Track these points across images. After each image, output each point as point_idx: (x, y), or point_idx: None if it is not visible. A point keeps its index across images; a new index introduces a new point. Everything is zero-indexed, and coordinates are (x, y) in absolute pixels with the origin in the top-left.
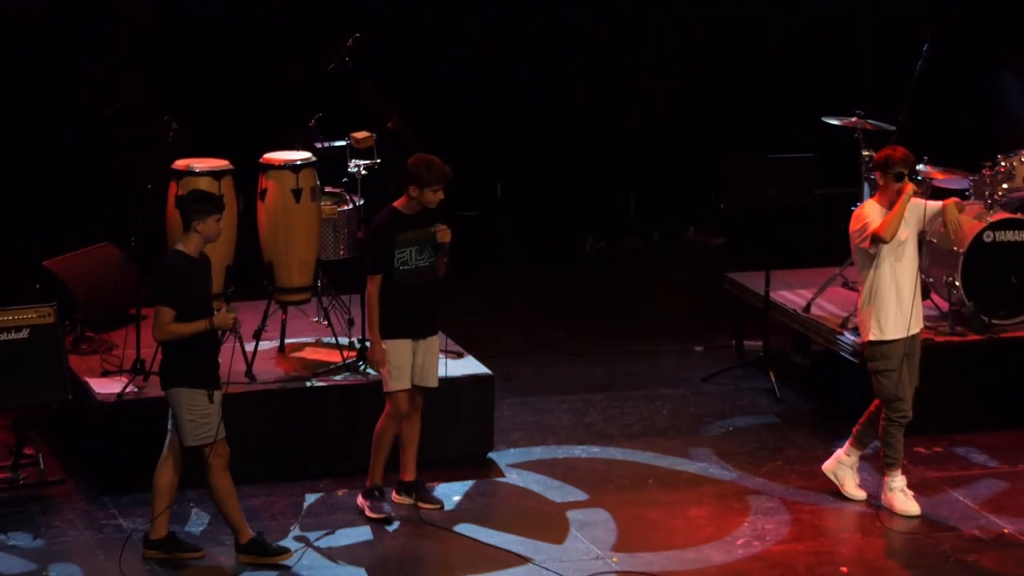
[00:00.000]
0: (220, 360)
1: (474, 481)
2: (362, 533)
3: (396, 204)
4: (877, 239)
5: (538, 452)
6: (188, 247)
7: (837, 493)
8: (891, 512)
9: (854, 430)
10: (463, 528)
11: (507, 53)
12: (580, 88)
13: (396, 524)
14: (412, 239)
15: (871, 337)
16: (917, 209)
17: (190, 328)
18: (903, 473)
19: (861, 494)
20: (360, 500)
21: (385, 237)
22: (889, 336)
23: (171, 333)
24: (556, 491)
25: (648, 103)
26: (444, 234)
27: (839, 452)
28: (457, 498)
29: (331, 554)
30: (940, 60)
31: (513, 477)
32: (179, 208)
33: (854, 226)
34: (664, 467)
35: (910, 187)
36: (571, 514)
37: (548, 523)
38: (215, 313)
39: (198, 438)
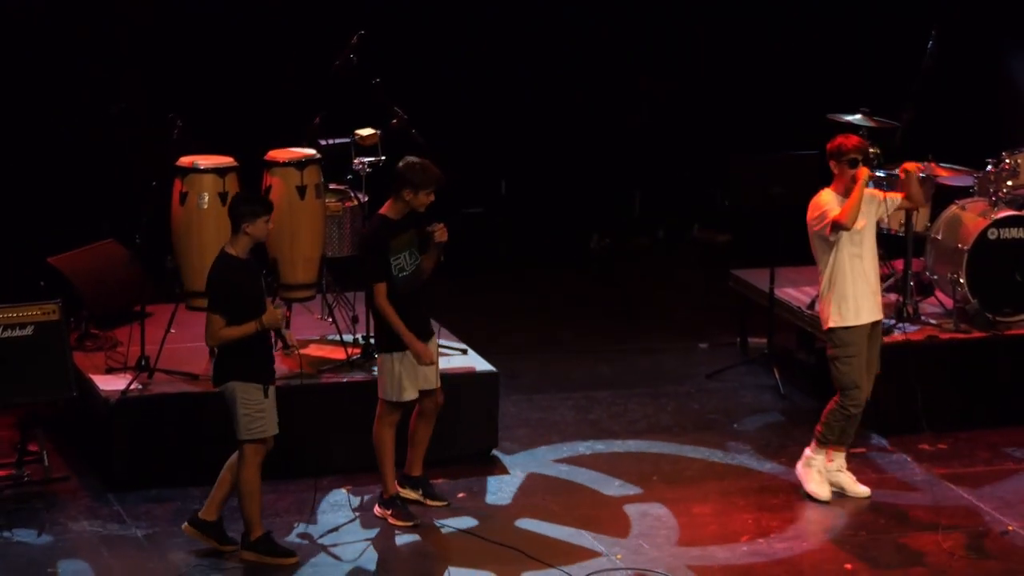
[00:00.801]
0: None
1: (478, 478)
2: (367, 531)
3: (383, 211)
4: (838, 226)
5: (543, 449)
6: (237, 249)
7: (841, 490)
8: (800, 487)
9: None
10: (467, 525)
11: (507, 53)
12: (580, 88)
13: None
14: (404, 244)
15: (831, 324)
16: (874, 198)
17: (240, 331)
18: (831, 460)
19: (865, 490)
20: (378, 510)
21: (382, 246)
22: (850, 323)
23: (222, 338)
24: (560, 488)
25: (651, 102)
26: (442, 233)
27: (826, 463)
28: (461, 495)
29: (336, 551)
30: (945, 57)
31: (517, 474)
32: (229, 213)
33: (811, 214)
34: (668, 464)
35: (865, 172)
36: (575, 511)
37: (552, 520)
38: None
39: (252, 432)
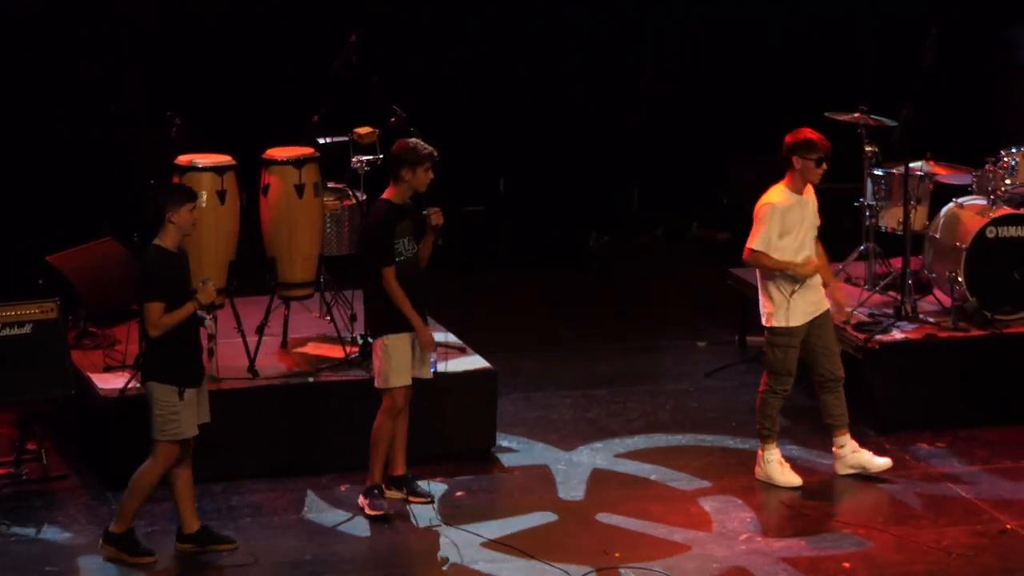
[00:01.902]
0: (204, 360)
1: (476, 476)
2: (364, 528)
3: (387, 196)
4: (747, 257)
5: (540, 448)
6: (166, 241)
7: (839, 488)
8: (770, 485)
9: (827, 422)
10: (464, 524)
11: (507, 53)
12: (580, 88)
13: (391, 520)
14: (405, 230)
15: (772, 323)
16: (809, 205)
17: (180, 314)
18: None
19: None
20: (360, 499)
21: (390, 229)
22: (790, 323)
23: (164, 326)
24: (558, 487)
25: (651, 102)
26: (437, 216)
27: (834, 451)
28: (460, 493)
29: (334, 549)
30: (944, 55)
31: (515, 473)
32: (155, 206)
33: (757, 211)
34: (666, 462)
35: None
36: (573, 510)
37: (550, 518)
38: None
39: (165, 433)
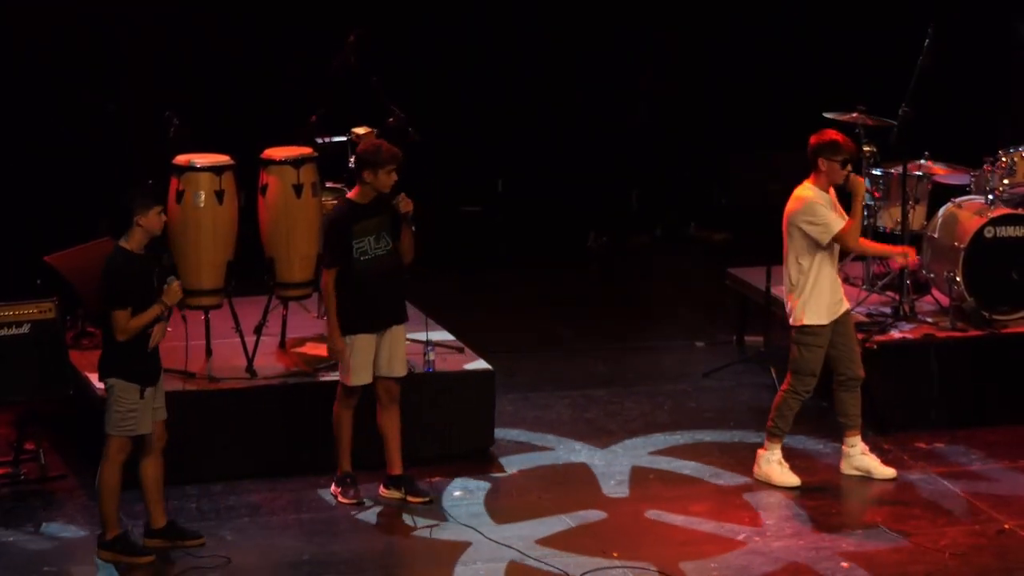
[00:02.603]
0: (161, 360)
1: (474, 476)
2: (364, 528)
3: (350, 195)
4: (844, 246)
5: (539, 448)
6: (131, 244)
7: (837, 488)
8: (769, 484)
9: (840, 420)
10: (460, 523)
11: (507, 53)
12: (580, 88)
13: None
14: (370, 228)
15: (805, 321)
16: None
17: (147, 317)
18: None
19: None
20: (332, 488)
21: (343, 229)
22: (822, 321)
23: (132, 330)
24: (557, 488)
25: (650, 102)
26: (405, 203)
27: (843, 449)
28: (457, 493)
29: (333, 549)
30: (943, 54)
31: (513, 472)
32: (123, 207)
33: (800, 212)
34: (665, 463)
35: (863, 184)
36: (572, 510)
37: (548, 519)
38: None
39: (121, 429)
